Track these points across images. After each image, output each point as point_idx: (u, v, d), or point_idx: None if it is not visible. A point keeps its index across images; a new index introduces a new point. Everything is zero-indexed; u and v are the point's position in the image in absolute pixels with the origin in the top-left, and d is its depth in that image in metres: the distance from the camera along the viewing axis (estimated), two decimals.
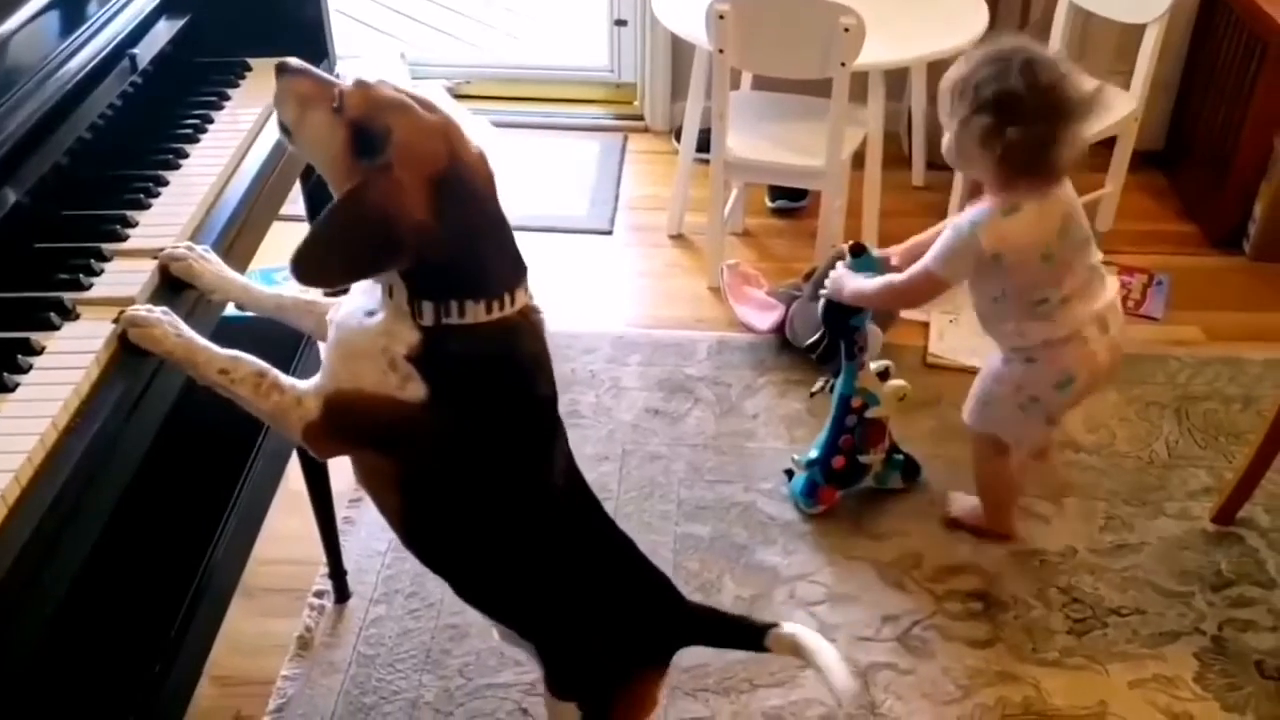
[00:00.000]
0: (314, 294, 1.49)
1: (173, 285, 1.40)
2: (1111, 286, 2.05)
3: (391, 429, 1.35)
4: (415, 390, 1.32)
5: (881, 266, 2.15)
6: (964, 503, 2.33)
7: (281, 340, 1.66)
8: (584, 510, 1.54)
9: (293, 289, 1.46)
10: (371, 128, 1.27)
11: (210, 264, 1.42)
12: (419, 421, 1.33)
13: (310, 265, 1.27)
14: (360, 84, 1.31)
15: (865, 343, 2.22)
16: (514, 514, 1.44)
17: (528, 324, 1.38)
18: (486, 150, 1.36)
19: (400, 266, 1.28)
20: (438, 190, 1.26)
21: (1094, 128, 1.91)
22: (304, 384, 1.36)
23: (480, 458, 1.38)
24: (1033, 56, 1.84)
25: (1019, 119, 1.81)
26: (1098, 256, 2.02)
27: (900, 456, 2.39)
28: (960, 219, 1.95)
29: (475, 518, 1.43)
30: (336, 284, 1.38)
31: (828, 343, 2.22)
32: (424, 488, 1.41)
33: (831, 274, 2.17)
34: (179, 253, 1.40)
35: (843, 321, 2.19)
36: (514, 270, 1.37)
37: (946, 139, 1.97)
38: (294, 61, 1.36)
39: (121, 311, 1.28)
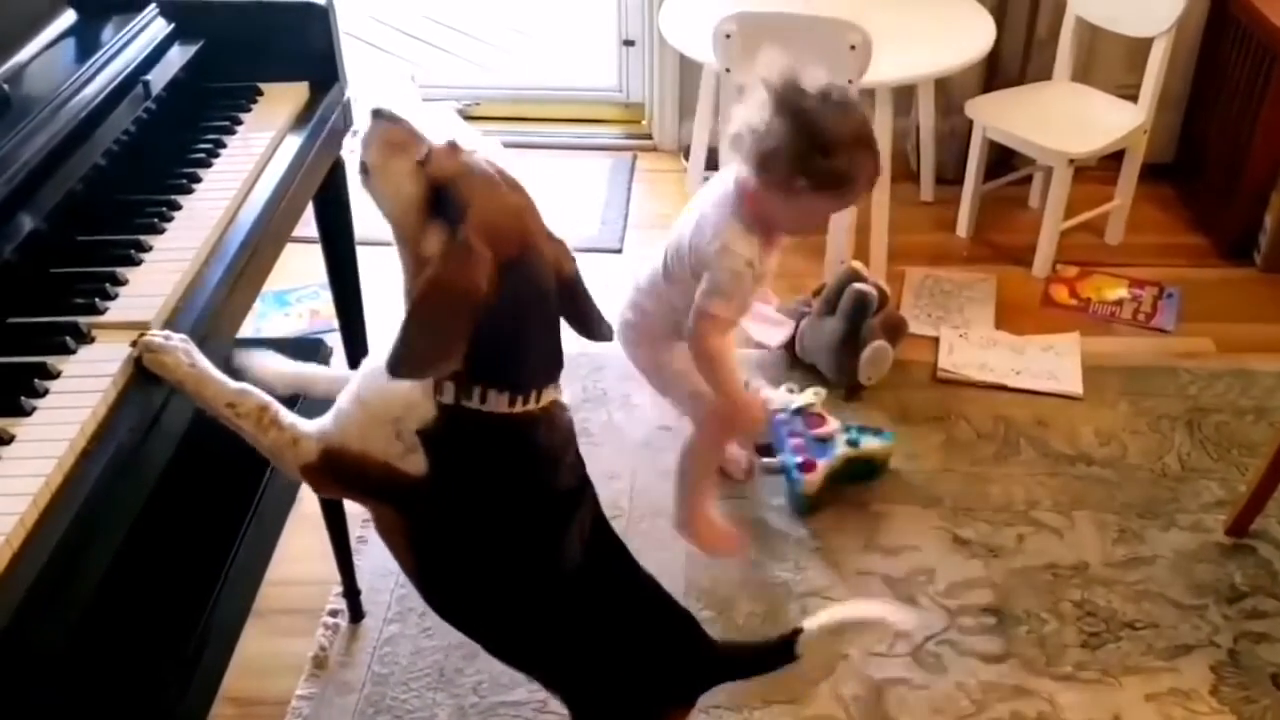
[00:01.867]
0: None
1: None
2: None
3: (387, 491, 1.36)
4: (415, 464, 1.32)
5: None
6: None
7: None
8: (607, 559, 1.53)
9: (295, 329, 1.46)
10: (453, 191, 1.27)
11: (185, 360, 1.31)
12: (415, 492, 1.34)
13: (407, 355, 1.24)
14: (452, 145, 1.31)
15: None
16: (522, 589, 1.43)
17: (548, 418, 1.36)
18: (566, 243, 1.36)
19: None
20: (502, 274, 1.25)
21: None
22: (306, 425, 1.37)
23: (482, 540, 1.38)
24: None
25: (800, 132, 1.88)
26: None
27: (856, 433, 2.47)
28: (739, 251, 1.98)
29: (486, 585, 1.43)
30: (434, 370, 1.29)
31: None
32: (432, 549, 1.41)
33: None
34: (156, 343, 1.30)
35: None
36: (548, 368, 1.37)
37: None
38: (388, 108, 1.34)
39: (141, 334, 1.29)
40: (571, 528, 1.45)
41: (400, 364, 1.25)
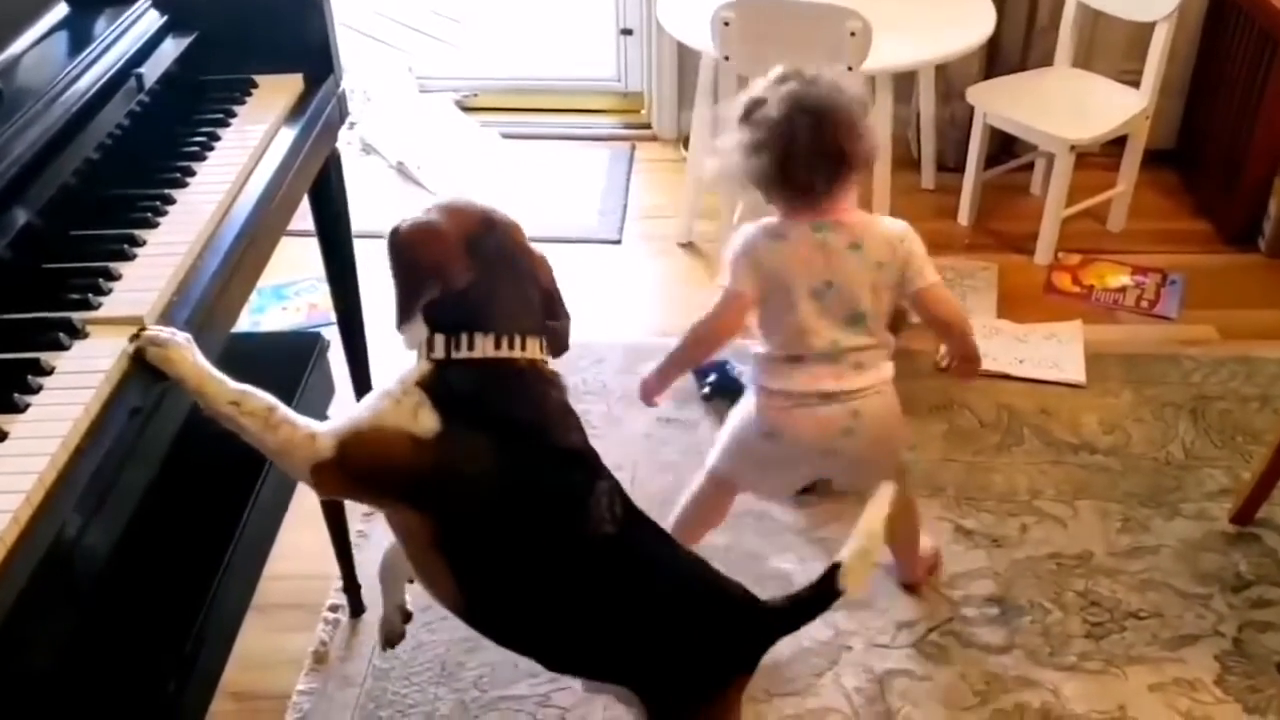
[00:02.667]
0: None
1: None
2: (864, 402, 1.88)
3: (403, 468, 1.36)
4: (428, 421, 1.35)
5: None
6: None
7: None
8: (642, 546, 1.51)
9: (293, 322, 1.50)
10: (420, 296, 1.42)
11: (187, 353, 1.32)
12: (432, 457, 1.35)
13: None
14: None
15: (740, 370, 2.47)
16: (557, 564, 1.42)
17: (535, 369, 1.42)
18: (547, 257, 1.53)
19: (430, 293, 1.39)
20: (472, 240, 1.42)
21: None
22: (320, 424, 1.39)
23: (505, 497, 1.38)
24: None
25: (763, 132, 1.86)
26: (854, 341, 1.86)
27: None
28: (737, 235, 1.94)
29: (525, 572, 1.41)
30: (411, 313, 1.43)
31: (714, 388, 2.65)
32: (462, 544, 1.40)
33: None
34: (161, 338, 1.30)
35: (710, 368, 2.64)
36: (530, 321, 1.43)
37: None
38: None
39: (141, 329, 1.29)
40: (596, 486, 1.45)
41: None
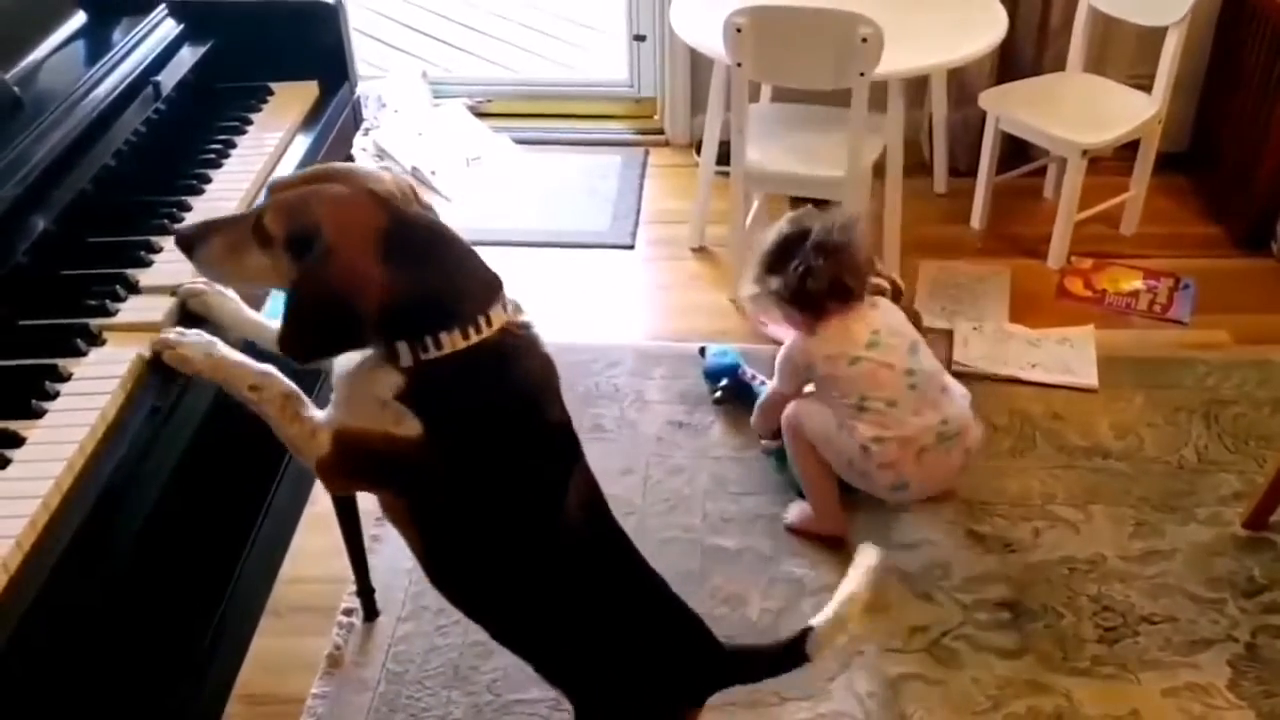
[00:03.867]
0: None
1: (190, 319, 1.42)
2: (956, 402, 2.24)
3: (396, 464, 1.35)
4: (411, 426, 1.32)
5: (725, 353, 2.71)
6: (798, 510, 2.36)
7: None
8: (612, 550, 1.52)
9: None
10: (302, 233, 1.27)
11: (228, 300, 1.44)
12: (419, 456, 1.33)
13: (295, 347, 1.31)
14: (269, 199, 1.32)
15: (751, 374, 2.66)
16: (529, 545, 1.43)
17: (514, 340, 1.36)
18: (410, 182, 1.37)
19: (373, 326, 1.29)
20: (382, 247, 1.27)
21: (861, 244, 2.23)
22: (320, 415, 1.38)
23: (487, 486, 1.37)
24: (790, 223, 2.24)
25: (773, 269, 2.22)
26: (929, 365, 2.23)
27: None
28: (786, 345, 2.30)
29: (493, 553, 1.42)
30: (325, 358, 1.37)
31: (725, 387, 2.68)
32: (436, 522, 1.41)
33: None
34: (197, 287, 1.41)
35: (721, 371, 2.69)
36: (484, 292, 1.35)
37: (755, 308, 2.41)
38: (186, 226, 1.38)
39: (157, 334, 1.31)
40: (574, 469, 1.45)
41: (286, 349, 1.31)
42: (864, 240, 2.25)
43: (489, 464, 1.36)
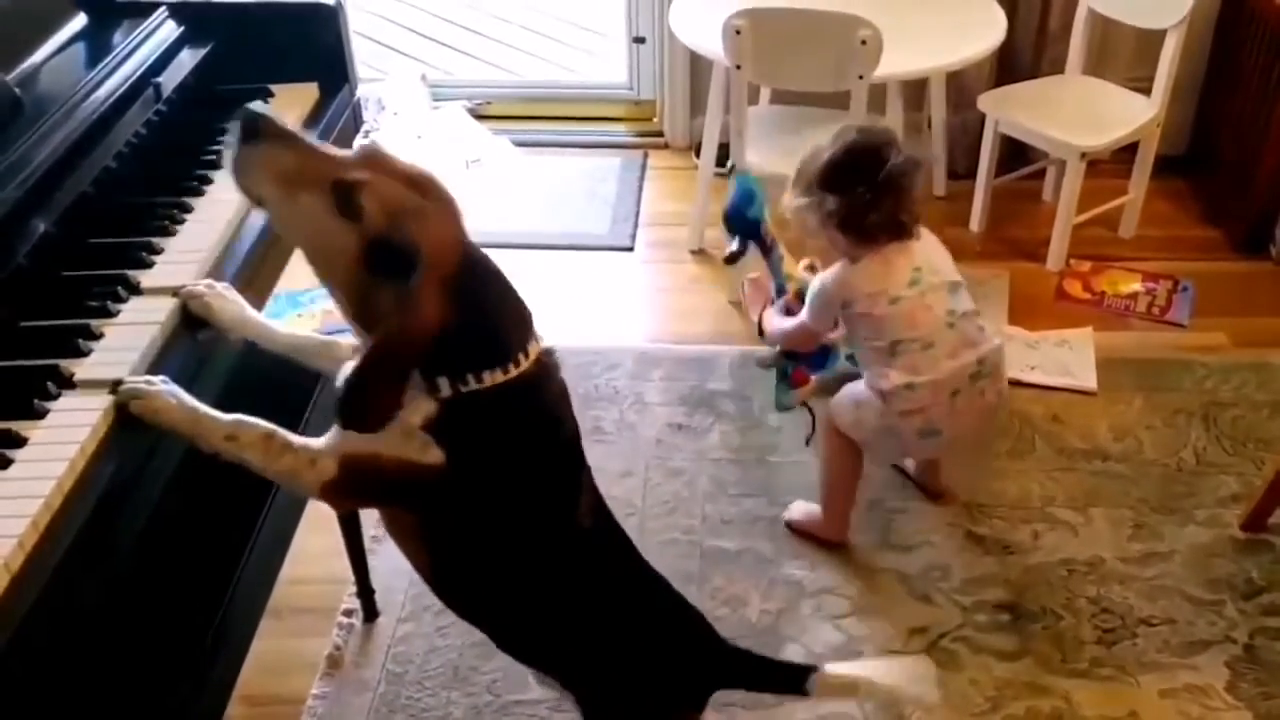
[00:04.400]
0: (332, 336, 1.49)
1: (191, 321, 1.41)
2: (990, 341, 2.10)
3: (410, 488, 1.33)
4: (433, 454, 1.30)
5: (753, 183, 2.37)
6: (802, 508, 2.35)
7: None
8: (616, 552, 1.53)
9: (308, 329, 1.44)
10: (397, 247, 1.20)
11: (229, 302, 1.41)
12: (438, 483, 1.31)
13: (360, 412, 1.26)
14: (370, 171, 1.22)
15: (774, 238, 2.35)
16: (543, 560, 1.43)
17: (544, 370, 1.35)
18: (454, 197, 1.30)
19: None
20: (454, 285, 1.24)
21: (915, 190, 2.04)
22: (316, 442, 1.34)
23: (506, 510, 1.37)
24: (855, 135, 2.03)
25: (835, 188, 2.00)
26: (967, 305, 2.09)
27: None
28: (822, 275, 2.12)
29: (504, 567, 1.41)
30: (389, 420, 1.29)
31: (740, 249, 2.40)
32: (449, 539, 1.39)
33: (766, 316, 2.33)
34: (198, 290, 1.39)
35: (743, 223, 2.35)
36: (523, 327, 1.34)
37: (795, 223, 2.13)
38: (259, 112, 1.23)
39: (118, 383, 1.26)
40: (584, 474, 1.46)
41: (355, 418, 1.25)
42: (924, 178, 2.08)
43: (511, 486, 1.36)
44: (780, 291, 2.33)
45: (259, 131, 1.22)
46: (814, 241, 2.15)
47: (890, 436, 2.13)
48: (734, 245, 2.39)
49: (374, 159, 1.25)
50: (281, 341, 1.48)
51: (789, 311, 2.28)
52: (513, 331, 1.32)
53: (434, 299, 1.22)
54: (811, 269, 2.28)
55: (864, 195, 1.97)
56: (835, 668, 1.56)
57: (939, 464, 2.39)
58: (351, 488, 1.34)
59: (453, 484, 1.32)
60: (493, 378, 1.29)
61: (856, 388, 2.16)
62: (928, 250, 2.08)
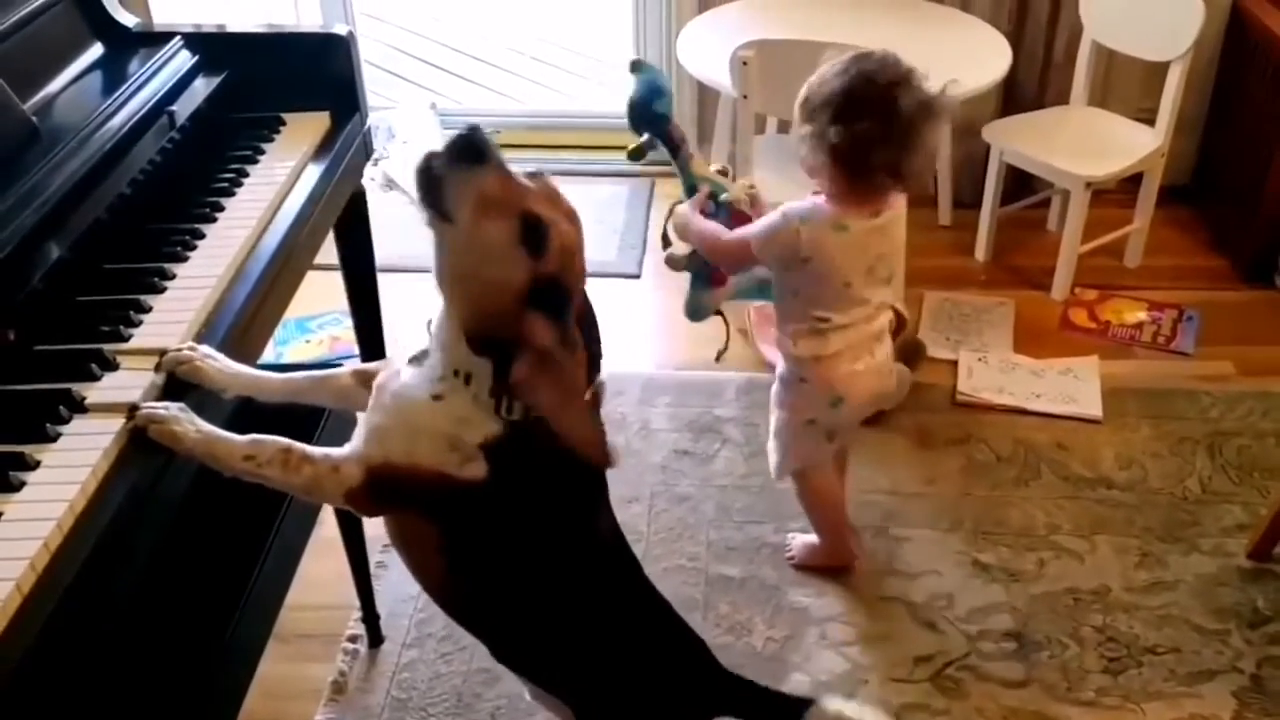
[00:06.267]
0: (328, 370, 1.49)
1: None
2: (882, 318, 2.08)
3: (439, 499, 1.33)
4: (474, 470, 1.29)
5: (659, 77, 2.13)
6: (803, 545, 2.34)
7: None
8: (625, 573, 1.54)
9: (317, 354, 1.44)
10: (565, 286, 1.25)
11: (216, 363, 1.37)
12: (472, 496, 1.31)
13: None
14: (548, 205, 1.24)
15: (682, 135, 2.13)
16: (560, 577, 1.43)
17: (596, 402, 1.36)
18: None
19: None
20: (580, 314, 1.29)
21: (938, 131, 1.92)
22: (339, 451, 1.34)
23: (537, 527, 1.38)
24: (867, 62, 1.86)
25: (842, 118, 1.84)
26: (886, 296, 2.06)
27: None
28: (793, 207, 1.96)
29: (521, 583, 1.41)
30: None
31: (648, 144, 2.15)
32: (468, 553, 1.39)
33: (679, 210, 2.13)
34: (184, 355, 1.35)
35: (649, 118, 2.10)
36: (597, 364, 1.34)
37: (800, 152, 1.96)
38: (491, 149, 1.23)
39: (134, 408, 1.26)
40: (606, 492, 1.47)
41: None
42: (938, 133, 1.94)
43: (546, 506, 1.37)
44: (691, 191, 2.15)
45: (482, 156, 1.22)
46: (815, 177, 1.95)
47: (809, 426, 2.13)
48: (641, 140, 2.15)
49: (550, 193, 1.27)
50: (278, 388, 1.46)
51: (704, 214, 2.11)
52: (594, 369, 1.33)
53: (579, 334, 1.26)
54: (752, 191, 2.15)
55: (871, 131, 1.82)
56: (833, 703, 1.56)
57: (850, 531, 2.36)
58: (378, 495, 1.34)
59: (489, 499, 1.32)
60: None
61: (773, 413, 2.19)
62: (895, 232, 2.00)
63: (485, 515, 1.34)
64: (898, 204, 1.99)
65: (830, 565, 2.31)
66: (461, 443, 1.29)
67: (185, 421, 1.27)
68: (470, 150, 1.22)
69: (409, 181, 3.64)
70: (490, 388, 1.28)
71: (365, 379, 1.44)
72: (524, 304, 1.23)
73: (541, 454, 1.31)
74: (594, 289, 1.40)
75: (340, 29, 1.88)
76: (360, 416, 1.40)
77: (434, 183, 1.23)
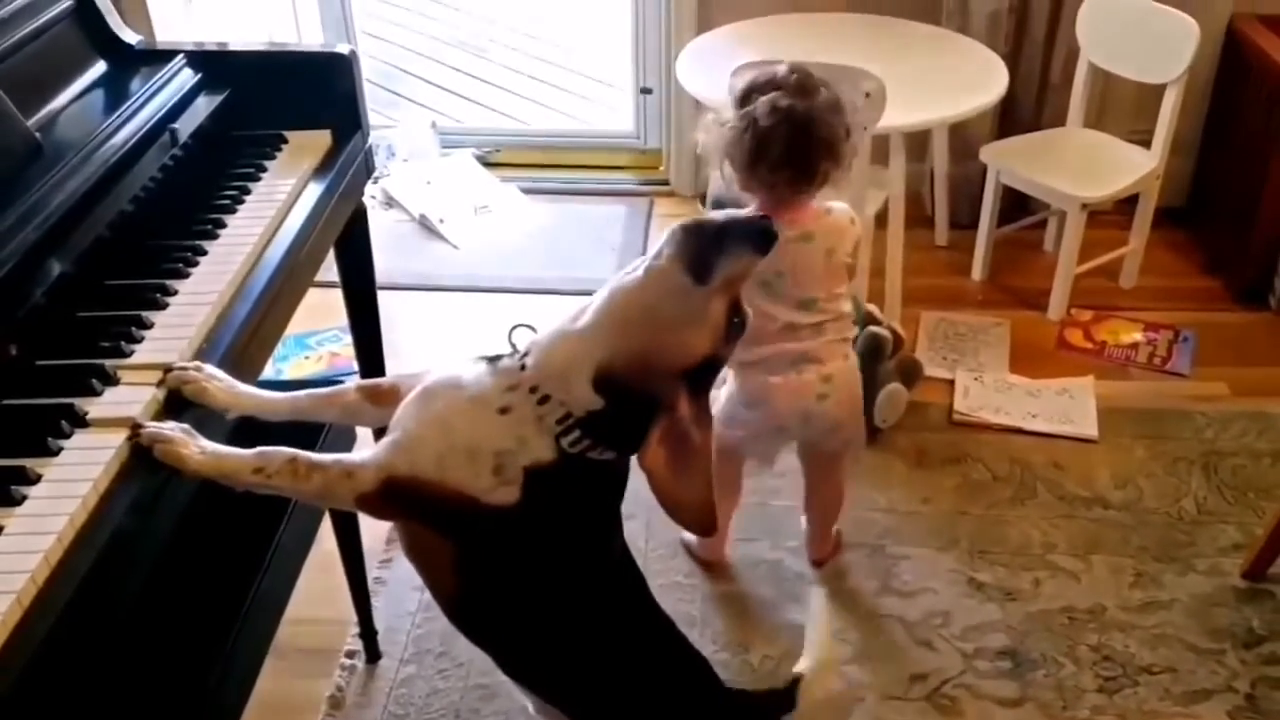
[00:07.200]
0: (333, 387, 1.50)
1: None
2: (815, 342, 2.06)
3: (459, 519, 1.32)
4: (504, 496, 1.29)
5: None
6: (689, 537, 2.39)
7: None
8: (634, 590, 1.55)
9: (316, 370, 1.45)
10: (719, 363, 1.33)
11: (221, 383, 1.37)
12: (497, 520, 1.30)
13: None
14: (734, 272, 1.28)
15: None
16: (575, 596, 1.43)
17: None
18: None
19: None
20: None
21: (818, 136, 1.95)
22: (355, 457, 1.33)
23: (559, 553, 1.38)
24: (758, 73, 1.98)
25: (737, 127, 1.93)
26: (800, 318, 2.04)
27: None
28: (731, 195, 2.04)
29: (535, 601, 1.41)
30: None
31: None
32: (485, 571, 1.38)
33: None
34: (188, 375, 1.34)
35: None
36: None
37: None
38: (767, 222, 1.28)
39: (138, 428, 1.26)
40: (621, 510, 1.49)
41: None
42: (840, 119, 1.96)
43: (573, 535, 1.39)
44: None
45: (766, 250, 1.28)
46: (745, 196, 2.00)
47: (732, 409, 2.14)
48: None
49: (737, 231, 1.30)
50: (283, 408, 1.46)
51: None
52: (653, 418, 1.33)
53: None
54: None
55: (752, 130, 1.91)
56: (805, 667, 1.61)
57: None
58: (392, 501, 1.33)
59: (515, 525, 1.31)
60: (612, 454, 1.34)
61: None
62: (804, 250, 2.00)
63: (509, 540, 1.34)
64: (821, 222, 2.02)
65: (699, 557, 2.37)
66: (508, 462, 1.29)
67: (190, 443, 1.28)
68: (764, 241, 1.27)
69: (409, 199, 3.67)
70: (560, 415, 1.29)
71: (371, 394, 1.45)
72: (686, 373, 1.29)
73: (581, 486, 1.33)
74: None
75: (342, 48, 1.89)
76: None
77: (712, 247, 1.26)
